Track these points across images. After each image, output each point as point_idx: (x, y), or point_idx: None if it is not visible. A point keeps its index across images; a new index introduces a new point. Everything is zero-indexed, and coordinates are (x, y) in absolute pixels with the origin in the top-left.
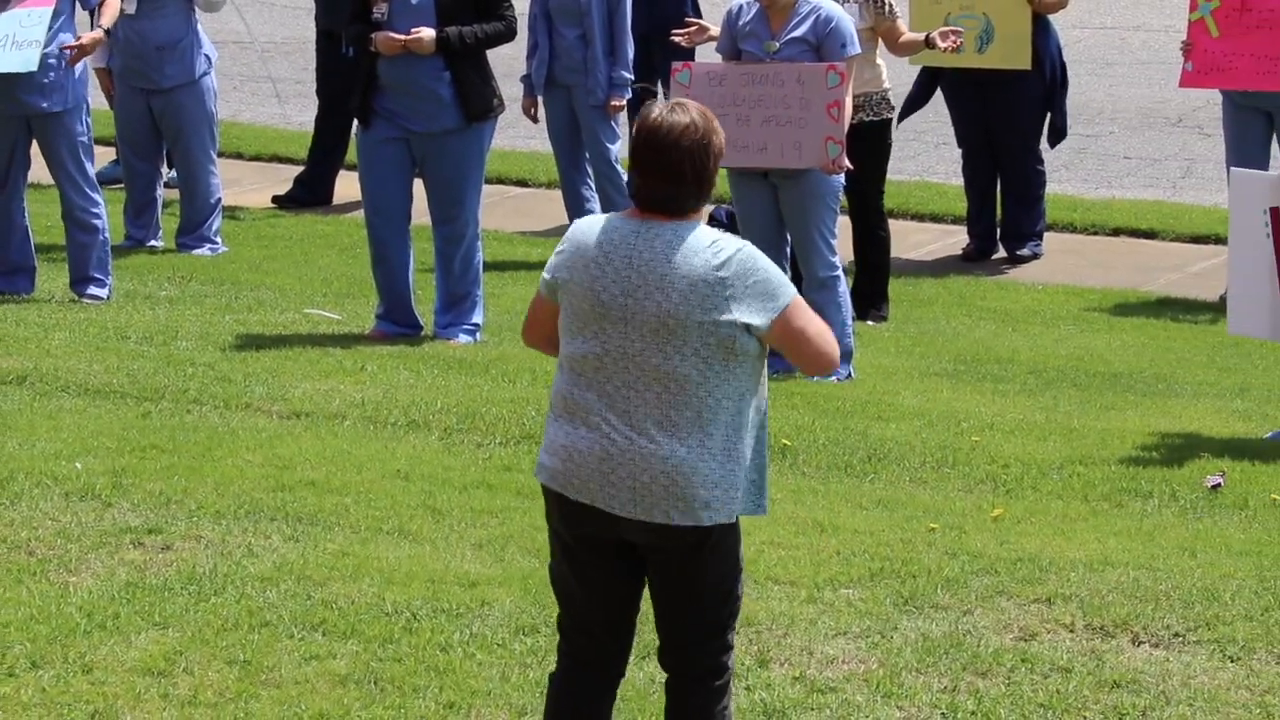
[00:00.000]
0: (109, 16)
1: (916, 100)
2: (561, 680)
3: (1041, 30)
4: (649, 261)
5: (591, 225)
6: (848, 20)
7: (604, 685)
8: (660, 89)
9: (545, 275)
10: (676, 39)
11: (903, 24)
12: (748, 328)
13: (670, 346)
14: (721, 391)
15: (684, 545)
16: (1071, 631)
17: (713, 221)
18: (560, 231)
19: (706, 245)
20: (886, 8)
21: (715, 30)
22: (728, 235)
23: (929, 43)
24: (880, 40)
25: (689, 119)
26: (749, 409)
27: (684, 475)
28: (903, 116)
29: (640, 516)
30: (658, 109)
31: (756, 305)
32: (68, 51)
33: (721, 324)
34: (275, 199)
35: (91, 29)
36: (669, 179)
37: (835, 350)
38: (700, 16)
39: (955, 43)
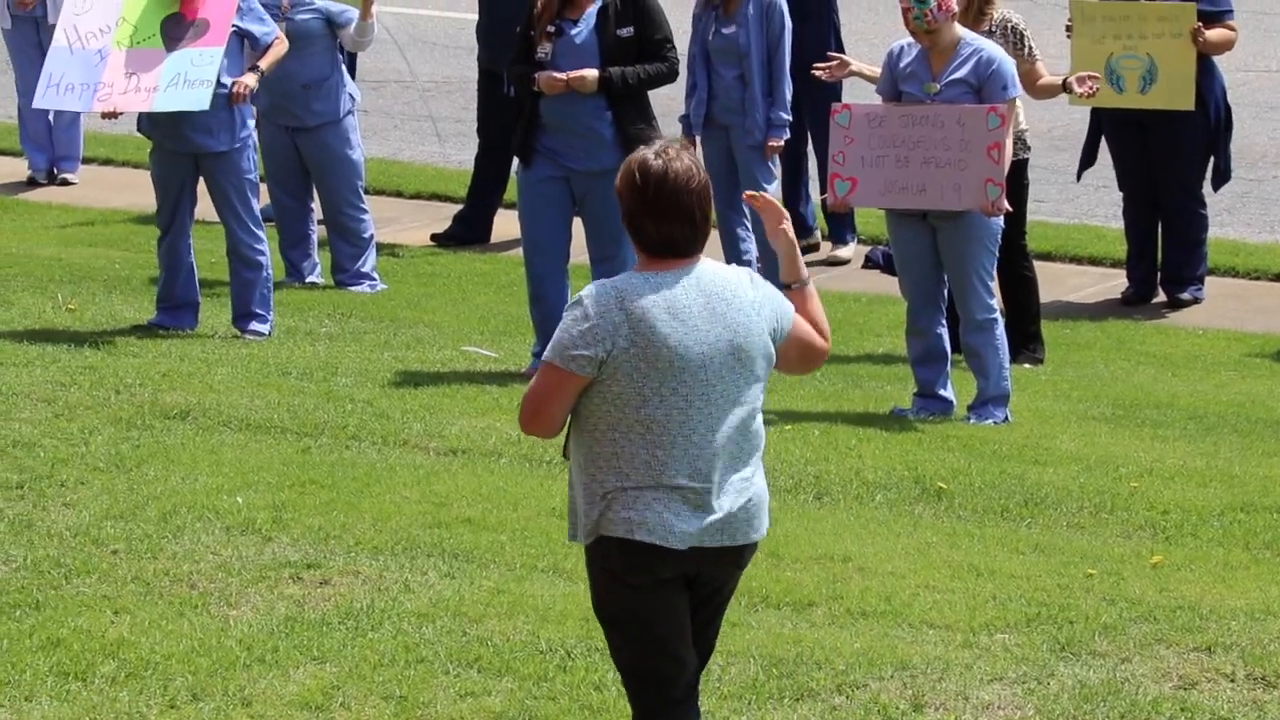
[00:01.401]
0: (269, 60)
1: (1093, 148)
2: None
3: (1206, 72)
4: (712, 305)
5: (628, 288)
6: (1009, 62)
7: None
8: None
9: (577, 352)
10: (817, 73)
11: (1042, 66)
12: (775, 335)
13: (742, 378)
14: (759, 410)
15: (743, 564)
16: (1232, 681)
17: (869, 263)
18: None
19: (734, 274)
20: (1026, 49)
21: (856, 65)
22: (728, 267)
23: (1066, 87)
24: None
25: (690, 163)
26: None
27: (759, 494)
28: (1083, 168)
29: (727, 543)
30: (652, 157)
31: (781, 314)
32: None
33: (771, 338)
34: (434, 237)
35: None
36: (685, 221)
37: (822, 341)
38: (843, 52)
39: (1091, 89)
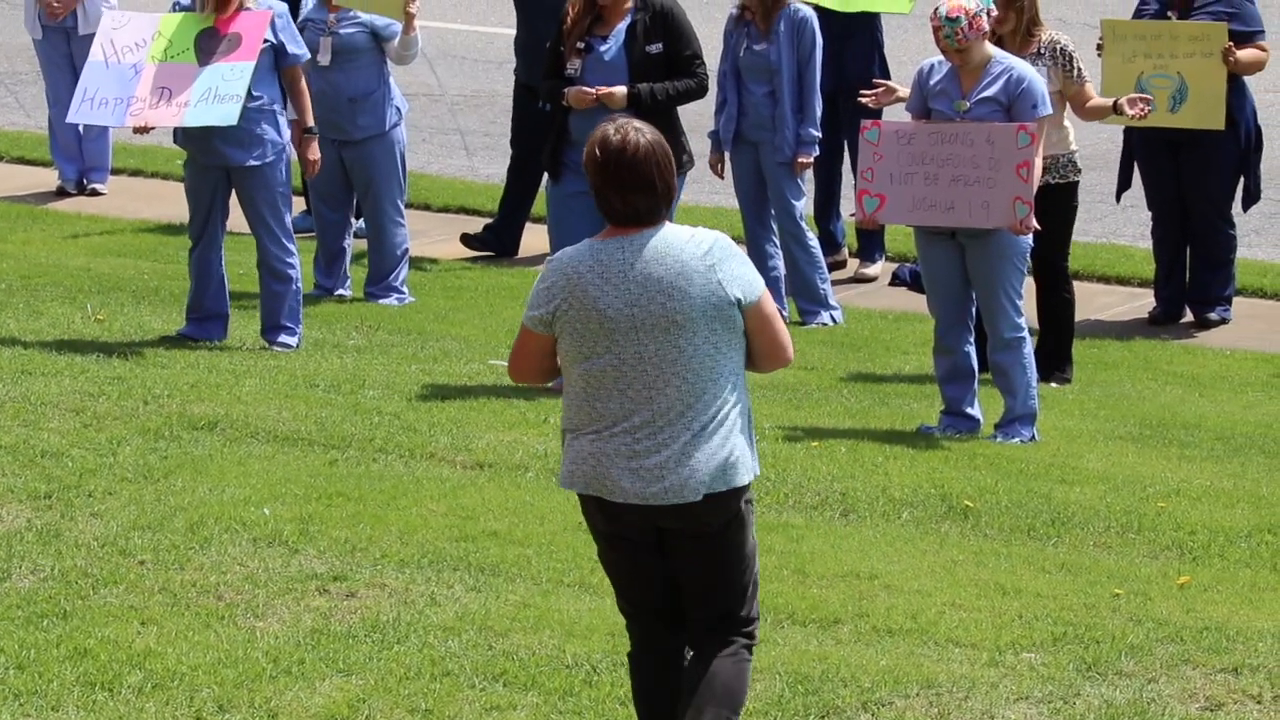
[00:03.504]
0: (306, 107)
1: (1129, 169)
2: (636, 653)
3: (1236, 92)
4: (644, 269)
5: (576, 255)
6: (1040, 81)
7: (672, 653)
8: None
9: (533, 312)
10: (864, 100)
11: (1091, 88)
12: (738, 303)
13: (683, 340)
14: (730, 370)
15: (702, 519)
16: (1259, 703)
17: (896, 280)
18: None
19: (687, 239)
20: (1076, 71)
21: (904, 91)
22: (700, 228)
23: (1117, 109)
24: (1068, 103)
25: (649, 136)
26: (743, 384)
27: (712, 457)
28: (1121, 189)
29: (673, 501)
30: (612, 132)
31: (742, 283)
32: (268, 107)
33: (721, 303)
34: (464, 236)
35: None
36: (644, 191)
37: (791, 344)
38: (888, 76)
39: (1143, 110)
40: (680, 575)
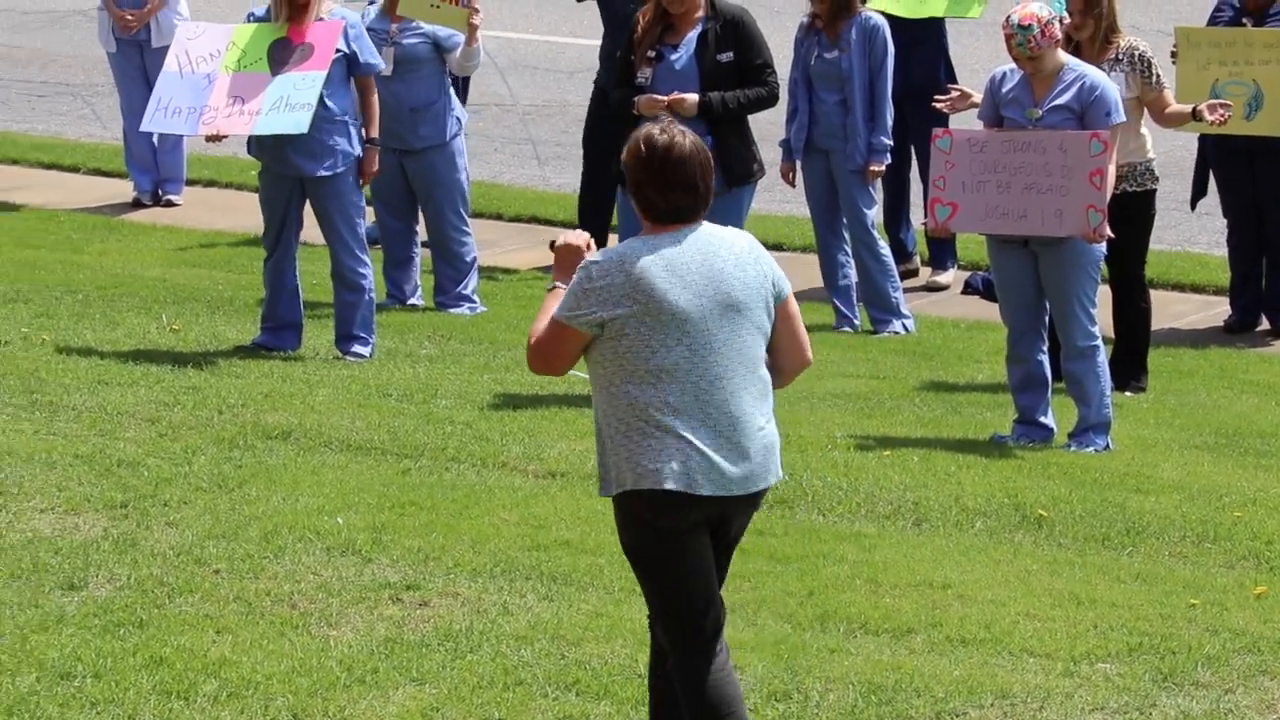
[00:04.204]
0: (372, 124)
1: (1204, 177)
2: (705, 662)
3: None
4: (705, 261)
5: (632, 253)
6: (1113, 88)
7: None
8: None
9: (585, 314)
10: (939, 105)
11: (1169, 94)
12: (777, 296)
13: (743, 329)
14: (764, 359)
15: (756, 508)
16: None
17: (968, 288)
18: (815, 293)
19: (731, 234)
20: (1154, 77)
21: (976, 96)
22: (727, 228)
23: (1195, 115)
24: (1146, 110)
25: (691, 138)
26: None
27: (772, 441)
28: (1196, 197)
29: (749, 490)
30: (658, 133)
31: (780, 278)
32: (340, 117)
33: (768, 294)
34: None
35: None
36: (689, 191)
37: (809, 346)
38: (955, 83)
39: (1223, 116)
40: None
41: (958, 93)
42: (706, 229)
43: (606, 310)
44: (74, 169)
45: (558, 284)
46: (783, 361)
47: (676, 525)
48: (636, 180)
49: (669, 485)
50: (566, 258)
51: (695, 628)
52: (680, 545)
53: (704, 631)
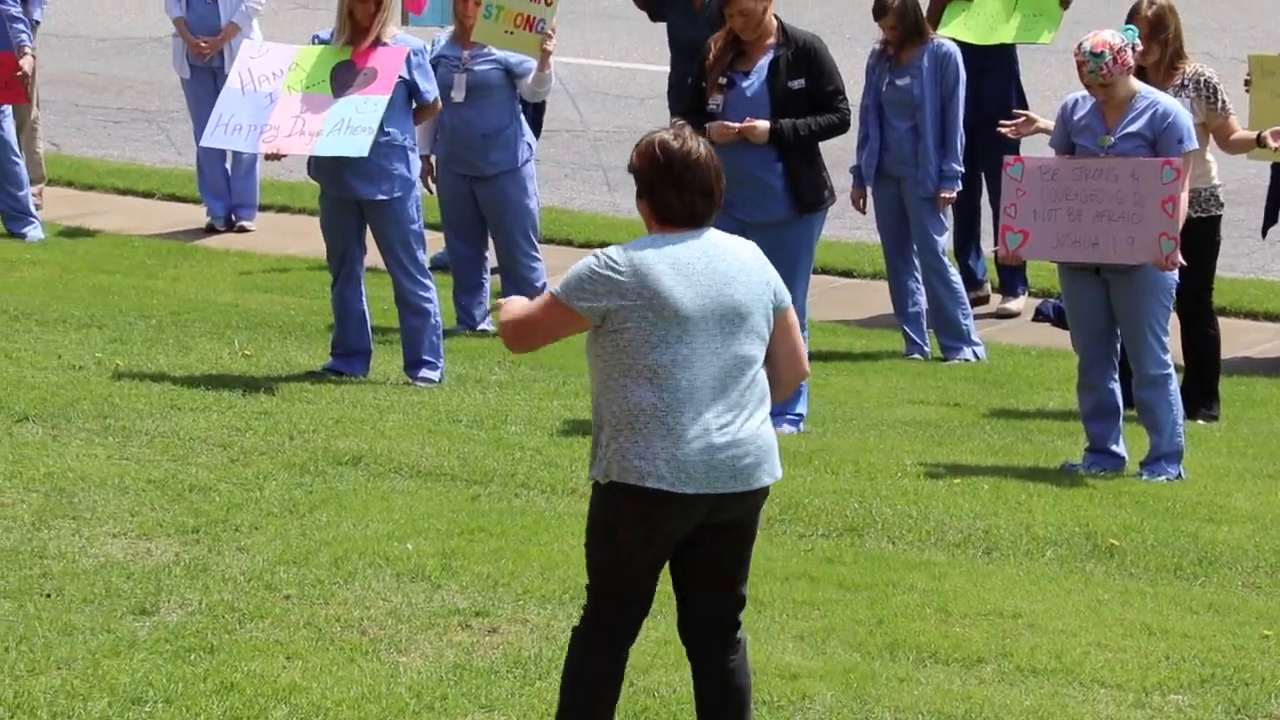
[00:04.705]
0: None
1: (1276, 204)
2: (607, 645)
3: None
4: (712, 264)
5: (642, 250)
6: (1186, 115)
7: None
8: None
9: (589, 303)
10: (1004, 130)
11: (1235, 121)
12: (778, 306)
13: (742, 332)
14: (761, 363)
15: (758, 506)
16: None
17: (1039, 315)
18: (886, 320)
19: (734, 242)
20: (1220, 103)
21: (1043, 121)
22: (732, 236)
23: (1260, 142)
24: (1211, 136)
25: (705, 145)
26: None
27: (768, 443)
28: (1268, 225)
29: (740, 489)
30: (671, 138)
31: (781, 288)
32: (399, 142)
33: (769, 300)
34: None
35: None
36: (706, 195)
37: (807, 358)
38: (1026, 107)
39: None
40: (703, 565)
41: (1023, 117)
42: (713, 235)
43: (612, 300)
44: (148, 194)
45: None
46: (780, 372)
47: (659, 526)
48: (651, 181)
49: (656, 484)
50: None
51: (618, 614)
52: (647, 540)
53: (623, 620)
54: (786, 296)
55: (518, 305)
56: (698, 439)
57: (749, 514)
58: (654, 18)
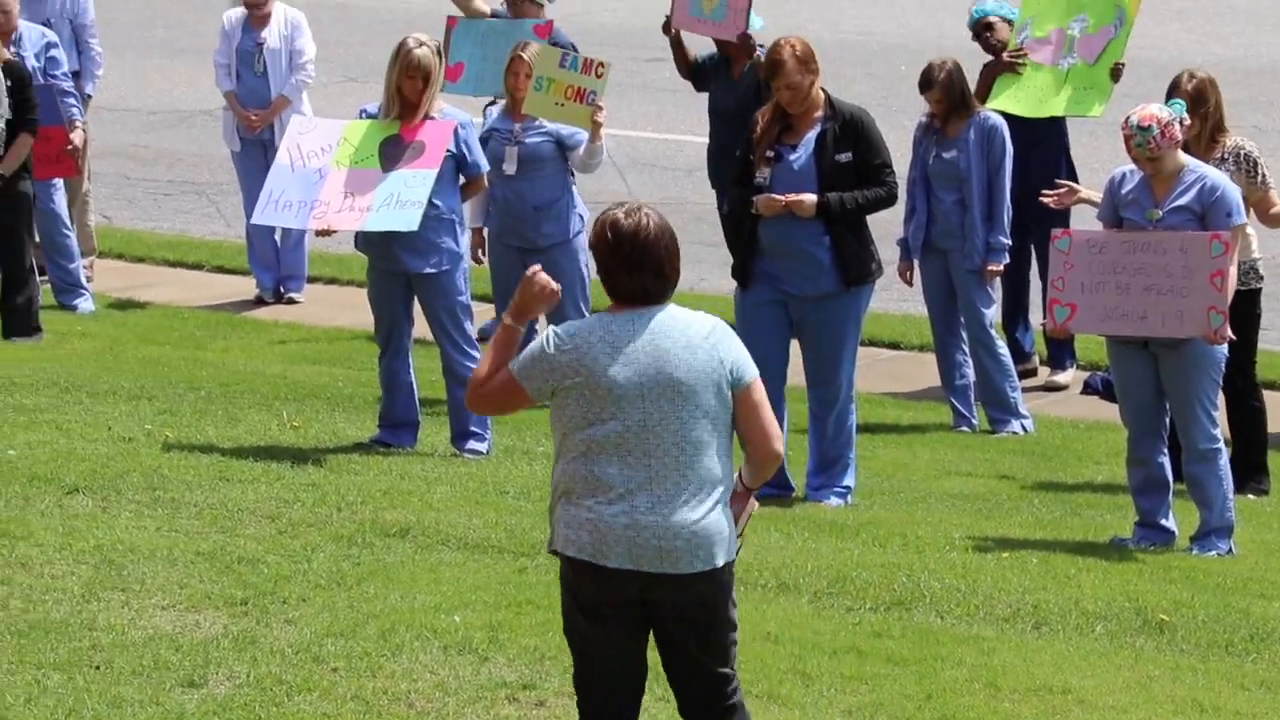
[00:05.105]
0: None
1: None
2: None
3: None
4: (653, 340)
5: (587, 328)
6: (1234, 190)
7: None
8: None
9: (536, 383)
10: (1046, 200)
11: (1275, 195)
12: (735, 383)
13: (685, 411)
14: (720, 449)
15: (709, 592)
16: None
17: (1088, 389)
18: (933, 393)
19: (692, 318)
20: (1260, 177)
21: (1085, 192)
22: (700, 311)
23: None
24: (1252, 210)
25: (660, 221)
26: (730, 465)
27: (707, 529)
28: None
29: (668, 570)
30: (623, 216)
31: (739, 364)
32: (447, 216)
33: (720, 379)
34: None
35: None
36: (656, 274)
37: (780, 438)
38: (1076, 180)
39: None
40: (668, 650)
41: (1065, 188)
42: (670, 311)
43: (555, 379)
44: (198, 266)
45: (509, 321)
46: (749, 451)
47: (594, 598)
48: (602, 261)
49: (576, 554)
50: (533, 299)
51: (586, 704)
52: (597, 623)
53: (593, 709)
54: (747, 373)
55: (484, 370)
56: (623, 514)
57: (700, 600)
58: (699, 88)
